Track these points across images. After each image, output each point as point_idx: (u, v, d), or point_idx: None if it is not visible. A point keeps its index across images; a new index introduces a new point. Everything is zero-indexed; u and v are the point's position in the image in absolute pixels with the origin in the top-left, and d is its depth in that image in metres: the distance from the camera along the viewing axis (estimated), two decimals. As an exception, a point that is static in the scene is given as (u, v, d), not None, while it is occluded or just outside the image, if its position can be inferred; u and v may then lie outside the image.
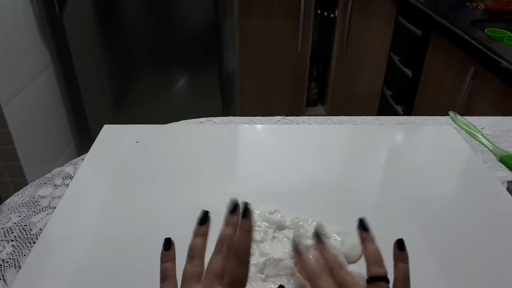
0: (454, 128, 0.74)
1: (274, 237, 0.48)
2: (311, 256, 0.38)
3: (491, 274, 0.45)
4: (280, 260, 0.44)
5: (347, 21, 1.96)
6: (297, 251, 0.38)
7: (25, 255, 0.47)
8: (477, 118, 0.78)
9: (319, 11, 2.06)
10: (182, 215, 0.52)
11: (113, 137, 0.69)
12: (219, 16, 1.72)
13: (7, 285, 0.44)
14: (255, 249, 0.46)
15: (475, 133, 0.72)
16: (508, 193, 0.57)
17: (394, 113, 1.84)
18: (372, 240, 0.37)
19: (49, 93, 1.67)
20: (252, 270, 0.44)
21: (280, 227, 0.49)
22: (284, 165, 0.61)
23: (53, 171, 0.62)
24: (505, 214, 0.53)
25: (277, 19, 1.94)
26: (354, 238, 0.43)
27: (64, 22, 1.63)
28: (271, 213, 0.51)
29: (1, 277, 0.45)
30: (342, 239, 0.47)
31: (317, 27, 2.20)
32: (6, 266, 0.46)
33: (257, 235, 0.47)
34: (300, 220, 0.50)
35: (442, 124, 0.76)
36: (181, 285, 0.36)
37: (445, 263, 0.46)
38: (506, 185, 0.59)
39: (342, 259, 0.44)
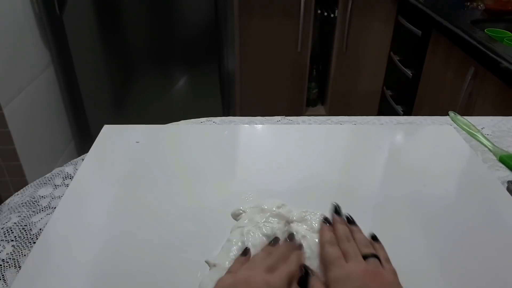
0: (454, 128, 0.74)
1: (284, 231, 0.49)
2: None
3: (491, 274, 0.45)
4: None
5: (347, 21, 1.96)
6: (322, 223, 0.47)
7: (25, 255, 0.47)
8: (477, 118, 0.78)
9: (319, 11, 2.06)
10: (183, 215, 0.52)
11: (113, 137, 0.69)
12: (219, 16, 1.72)
13: (7, 285, 0.44)
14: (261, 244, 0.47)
15: (475, 133, 0.72)
16: (508, 193, 0.57)
17: (394, 113, 1.84)
18: (360, 231, 0.46)
19: (49, 93, 1.67)
20: None
21: (289, 221, 0.50)
22: (284, 165, 0.61)
23: (53, 171, 0.62)
24: (505, 214, 0.53)
25: (277, 19, 1.94)
26: (365, 227, 0.47)
27: (64, 22, 1.63)
28: (278, 207, 0.51)
29: (1, 277, 0.45)
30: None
31: (317, 27, 2.20)
32: (6, 266, 0.46)
33: (269, 230, 0.48)
34: (307, 214, 0.51)
35: (442, 124, 0.76)
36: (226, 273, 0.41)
37: (445, 263, 0.46)
38: (506, 185, 0.59)
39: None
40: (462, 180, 0.60)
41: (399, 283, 0.40)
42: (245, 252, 0.44)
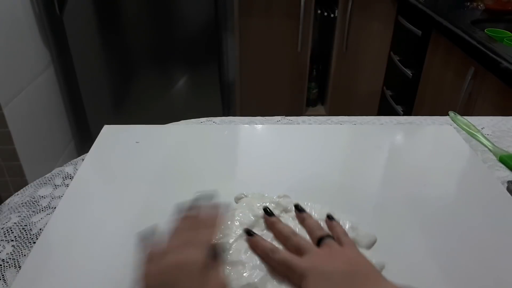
0: (454, 128, 0.74)
1: (279, 216, 0.49)
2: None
3: (491, 274, 0.45)
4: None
5: (347, 21, 1.96)
6: (248, 234, 0.44)
7: (25, 255, 0.47)
8: (477, 118, 0.78)
9: (319, 11, 2.06)
10: (182, 215, 0.52)
11: (113, 137, 0.69)
12: (219, 16, 1.72)
13: (7, 285, 0.44)
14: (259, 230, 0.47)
15: (475, 133, 0.72)
16: (508, 193, 0.57)
17: (394, 113, 1.84)
18: (310, 217, 0.46)
19: (49, 93, 1.67)
20: None
21: (286, 210, 0.50)
22: (284, 165, 0.61)
23: (53, 171, 0.62)
24: (505, 214, 0.53)
25: (277, 19, 1.94)
26: (364, 227, 0.48)
27: (64, 22, 1.63)
28: (279, 197, 0.52)
29: (1, 277, 0.45)
30: (353, 226, 0.48)
31: (317, 27, 2.20)
32: (6, 266, 0.46)
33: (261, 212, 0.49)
34: (307, 206, 0.51)
35: (442, 124, 0.76)
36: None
37: (445, 263, 0.46)
38: (506, 185, 0.59)
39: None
40: (462, 180, 0.60)
41: (358, 251, 0.41)
42: (147, 236, 0.41)
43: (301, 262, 0.39)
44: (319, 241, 0.42)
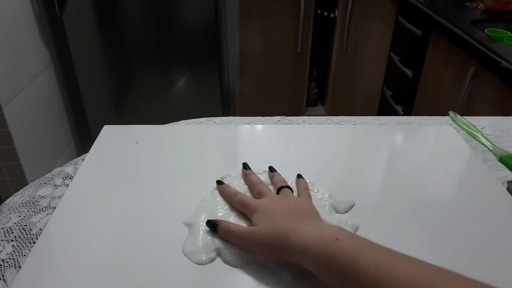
0: (454, 128, 0.74)
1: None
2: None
3: (491, 274, 0.45)
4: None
5: (347, 21, 1.96)
6: (218, 183, 0.54)
7: (25, 255, 0.47)
8: (477, 118, 0.78)
9: (319, 11, 2.07)
10: (182, 215, 0.52)
11: (113, 137, 0.69)
12: (219, 16, 1.72)
13: (7, 285, 0.44)
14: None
15: (475, 133, 0.72)
16: (508, 193, 0.57)
17: (394, 113, 1.84)
18: (279, 175, 0.55)
19: (49, 93, 1.67)
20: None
21: (269, 184, 0.55)
22: (284, 165, 0.61)
23: (53, 171, 0.62)
24: (505, 214, 0.53)
25: (277, 19, 1.94)
26: (341, 195, 0.54)
27: (64, 22, 1.63)
28: (259, 173, 0.57)
29: (1, 277, 0.45)
30: (331, 194, 0.55)
31: (317, 27, 2.20)
32: (6, 266, 0.46)
33: (242, 188, 0.54)
34: (287, 177, 0.56)
35: (442, 124, 0.76)
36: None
37: (445, 263, 0.46)
38: (506, 185, 0.59)
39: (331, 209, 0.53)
40: (462, 180, 0.60)
41: (310, 202, 0.49)
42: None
43: (255, 201, 0.48)
44: (278, 190, 0.50)
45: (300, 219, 0.44)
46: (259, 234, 0.44)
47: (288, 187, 0.51)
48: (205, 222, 0.48)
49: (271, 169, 0.56)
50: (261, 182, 0.53)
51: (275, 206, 0.46)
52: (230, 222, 0.47)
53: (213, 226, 0.47)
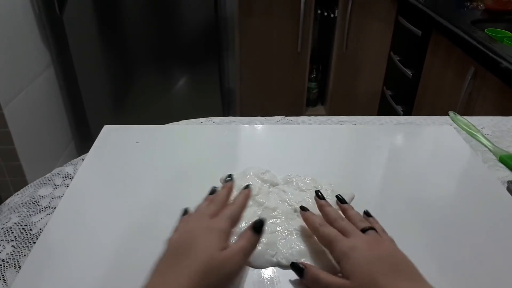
0: (454, 128, 0.74)
1: (269, 192, 0.55)
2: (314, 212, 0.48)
3: (491, 274, 0.45)
4: (275, 208, 0.51)
5: (347, 21, 1.96)
6: (302, 209, 0.48)
7: (25, 255, 0.47)
8: (477, 118, 0.78)
9: (319, 11, 2.07)
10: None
11: (113, 137, 0.69)
12: (219, 16, 1.72)
13: (7, 285, 0.44)
14: (250, 201, 0.51)
15: (475, 133, 0.72)
16: (508, 193, 0.57)
17: (394, 113, 1.84)
18: (352, 208, 0.48)
19: (49, 93, 1.67)
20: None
21: (273, 184, 0.56)
22: (284, 165, 0.61)
23: (53, 171, 0.62)
24: (505, 214, 0.53)
25: (277, 19, 1.94)
26: (343, 188, 0.55)
27: (64, 22, 1.63)
28: (262, 173, 0.57)
29: (1, 277, 0.45)
30: (333, 189, 0.55)
31: (317, 27, 2.20)
32: (6, 266, 0.46)
33: (253, 189, 0.52)
34: (292, 177, 0.57)
35: (442, 124, 0.76)
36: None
37: (445, 263, 0.46)
38: (506, 185, 0.59)
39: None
40: (462, 180, 0.60)
41: (398, 248, 0.41)
42: (185, 211, 0.46)
43: (346, 241, 0.41)
44: (363, 230, 0.43)
45: (404, 281, 0.37)
46: None
47: (373, 228, 0.43)
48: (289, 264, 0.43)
49: (341, 199, 0.49)
50: (342, 218, 0.45)
51: (370, 252, 0.39)
52: (317, 268, 0.42)
53: (298, 270, 0.42)
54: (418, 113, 1.68)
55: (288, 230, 0.48)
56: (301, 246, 0.46)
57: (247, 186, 0.48)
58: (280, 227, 0.49)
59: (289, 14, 1.93)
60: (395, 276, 0.37)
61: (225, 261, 0.37)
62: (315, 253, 0.46)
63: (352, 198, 0.55)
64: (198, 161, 0.63)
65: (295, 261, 0.43)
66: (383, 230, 0.44)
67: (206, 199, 0.47)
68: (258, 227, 0.41)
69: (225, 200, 0.46)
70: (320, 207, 0.48)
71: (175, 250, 0.39)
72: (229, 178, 0.49)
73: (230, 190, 0.47)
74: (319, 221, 0.45)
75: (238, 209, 0.44)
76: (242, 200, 0.45)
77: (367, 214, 0.47)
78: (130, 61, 1.78)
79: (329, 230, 0.43)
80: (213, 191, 0.48)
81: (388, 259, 0.39)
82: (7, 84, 1.35)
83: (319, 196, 0.49)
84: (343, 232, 0.42)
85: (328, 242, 0.42)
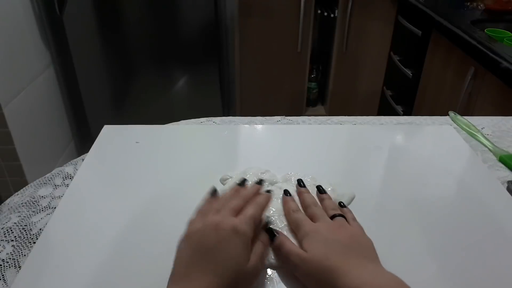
0: (454, 128, 0.74)
1: (267, 191, 0.53)
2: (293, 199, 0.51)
3: (491, 274, 0.45)
4: (272, 207, 0.51)
5: (347, 21, 1.96)
6: (284, 194, 0.52)
7: (25, 255, 0.47)
8: (477, 118, 0.78)
9: (319, 11, 2.07)
10: (182, 215, 0.52)
11: (113, 137, 0.69)
12: (219, 16, 1.72)
13: (7, 285, 0.44)
14: None
15: (475, 133, 0.72)
16: (508, 193, 0.57)
17: (394, 113, 1.84)
18: (329, 198, 0.51)
19: (49, 93, 1.67)
20: None
21: (272, 182, 0.56)
22: (284, 165, 0.61)
23: (53, 171, 0.62)
24: (505, 214, 0.53)
25: (277, 19, 1.94)
26: (344, 188, 0.55)
27: (64, 22, 1.63)
28: (262, 173, 0.58)
29: (1, 277, 0.45)
30: (333, 188, 0.55)
31: (317, 27, 2.20)
32: (6, 266, 0.46)
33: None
34: (291, 175, 0.58)
35: (442, 124, 0.76)
36: (196, 216, 0.43)
37: (445, 263, 0.46)
38: (506, 185, 0.59)
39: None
40: (462, 180, 0.60)
41: (364, 233, 0.45)
42: (213, 192, 0.46)
43: (311, 225, 0.45)
44: (332, 217, 0.46)
45: (355, 257, 0.40)
46: (307, 262, 0.41)
47: (342, 215, 0.47)
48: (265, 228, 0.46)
49: (320, 190, 0.53)
50: (315, 204, 0.49)
51: (330, 235, 0.43)
52: (287, 238, 0.45)
53: (271, 234, 0.45)
54: (418, 113, 1.68)
55: (279, 228, 0.48)
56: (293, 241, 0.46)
57: (268, 191, 0.48)
58: (271, 227, 0.48)
59: (289, 14, 1.93)
60: (348, 255, 0.40)
61: (251, 272, 0.39)
62: None
63: (353, 198, 0.55)
64: (198, 161, 0.63)
65: (271, 227, 0.46)
66: (354, 219, 0.47)
67: (232, 189, 0.47)
68: (271, 233, 0.45)
69: (251, 198, 0.46)
70: (299, 194, 0.52)
71: (201, 245, 0.39)
72: (260, 183, 0.49)
73: (258, 190, 0.48)
74: (294, 207, 0.49)
75: (260, 211, 0.44)
76: (264, 203, 0.46)
77: (341, 205, 0.51)
78: (130, 61, 1.78)
79: (299, 215, 0.47)
80: (242, 183, 0.49)
81: (346, 241, 0.42)
82: (7, 84, 1.35)
83: (300, 184, 0.53)
84: (312, 217, 0.46)
85: (295, 226, 0.46)
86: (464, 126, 0.75)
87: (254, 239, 0.42)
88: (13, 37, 1.40)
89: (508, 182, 0.59)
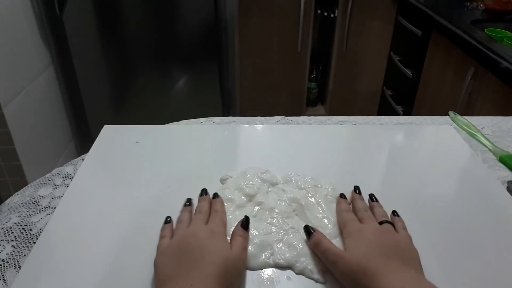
0: (454, 128, 0.74)
1: (268, 191, 0.55)
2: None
3: (491, 274, 0.45)
4: (272, 208, 0.51)
5: (347, 21, 1.96)
6: (340, 196, 0.52)
7: (25, 255, 0.47)
8: (477, 118, 0.78)
9: (319, 11, 2.07)
10: (182, 215, 0.52)
11: (113, 137, 0.69)
12: (219, 16, 1.72)
13: (7, 285, 0.44)
14: (248, 200, 0.53)
15: (475, 133, 0.72)
16: (508, 193, 0.57)
17: (394, 113, 1.84)
18: (380, 206, 0.50)
19: (49, 93, 1.67)
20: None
21: (273, 183, 0.56)
22: (284, 165, 0.61)
23: (53, 171, 0.62)
24: (505, 214, 0.53)
25: (277, 19, 1.94)
26: (345, 187, 0.54)
27: (64, 22, 1.63)
28: (262, 173, 0.57)
29: (1, 277, 0.45)
30: (334, 187, 0.55)
31: (317, 27, 2.20)
32: (6, 266, 0.46)
33: (251, 189, 0.54)
34: (291, 176, 0.58)
35: (442, 124, 0.76)
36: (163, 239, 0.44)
37: (445, 263, 0.46)
38: (506, 185, 0.59)
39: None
40: (462, 180, 0.60)
41: (411, 243, 0.43)
42: (168, 219, 0.48)
43: (358, 224, 0.45)
44: (380, 223, 0.46)
45: (397, 262, 0.39)
46: (345, 260, 0.40)
47: (391, 223, 0.46)
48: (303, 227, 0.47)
49: (372, 198, 0.52)
50: (367, 209, 0.49)
51: (374, 237, 0.42)
52: (324, 236, 0.45)
53: (308, 232, 0.46)
54: (418, 113, 1.68)
55: (284, 230, 0.48)
56: (299, 245, 0.46)
57: (215, 195, 0.52)
58: (275, 228, 0.49)
59: (289, 14, 1.93)
60: (390, 259, 0.39)
61: (236, 259, 0.41)
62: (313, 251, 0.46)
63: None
64: (198, 161, 0.63)
65: (308, 225, 0.47)
66: (404, 228, 0.46)
67: (183, 210, 0.49)
68: (246, 224, 0.46)
69: (208, 210, 0.48)
70: (353, 199, 0.52)
71: (183, 250, 0.40)
72: (188, 204, 0.51)
73: (209, 201, 0.51)
74: (345, 208, 0.49)
75: (223, 214, 0.48)
76: (221, 207, 0.49)
77: (394, 213, 0.49)
78: (130, 61, 1.78)
79: (349, 215, 0.47)
80: (189, 202, 0.51)
81: (390, 246, 0.41)
82: (7, 84, 1.35)
83: (356, 191, 0.53)
84: (361, 220, 0.46)
85: (343, 223, 0.46)
86: (464, 126, 0.75)
87: (231, 238, 0.44)
88: (13, 37, 1.40)
89: (508, 182, 0.59)
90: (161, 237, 0.45)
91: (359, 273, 0.38)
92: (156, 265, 0.41)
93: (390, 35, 1.99)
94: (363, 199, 0.52)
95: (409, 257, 0.40)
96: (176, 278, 0.37)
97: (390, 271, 0.37)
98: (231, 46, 1.84)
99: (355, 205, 0.50)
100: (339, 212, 0.49)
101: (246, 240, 0.44)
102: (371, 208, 0.50)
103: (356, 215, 0.48)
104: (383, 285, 0.36)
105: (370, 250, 0.40)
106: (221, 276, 0.37)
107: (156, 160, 0.63)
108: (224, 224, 0.46)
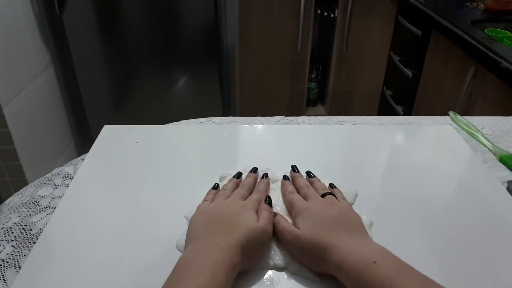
0: (454, 128, 0.74)
1: (264, 175, 0.57)
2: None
3: (491, 274, 0.45)
4: (274, 205, 0.52)
5: (347, 21, 1.96)
6: (283, 178, 0.56)
7: (25, 255, 0.47)
8: (477, 118, 0.78)
9: (319, 11, 2.07)
10: (182, 215, 0.52)
11: (113, 137, 0.69)
12: (219, 16, 1.72)
13: (7, 285, 0.44)
14: None
15: (475, 133, 0.72)
16: (508, 193, 0.57)
17: (394, 113, 1.84)
18: (318, 181, 0.55)
19: (49, 93, 1.67)
20: None
21: (273, 180, 0.57)
22: (284, 165, 0.61)
23: (53, 171, 0.62)
24: (505, 214, 0.53)
25: (277, 19, 1.94)
26: (345, 186, 0.55)
27: (64, 22, 1.63)
28: (262, 171, 0.58)
29: (1, 277, 0.45)
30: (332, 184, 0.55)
31: (317, 27, 2.20)
32: (6, 266, 0.46)
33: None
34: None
35: (442, 124, 0.76)
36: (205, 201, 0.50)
37: (445, 263, 0.46)
38: (506, 185, 0.59)
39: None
40: (462, 180, 0.60)
41: (352, 209, 0.48)
42: (216, 186, 0.54)
43: (303, 203, 0.49)
44: (323, 195, 0.50)
45: (343, 232, 0.43)
46: (300, 239, 0.44)
47: (332, 193, 0.50)
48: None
49: (310, 175, 0.57)
50: (308, 185, 0.53)
51: (320, 212, 0.46)
52: (283, 217, 0.49)
53: (269, 205, 0.50)
54: (418, 113, 1.68)
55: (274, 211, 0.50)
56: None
57: (265, 175, 0.56)
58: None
59: (289, 14, 1.93)
60: (337, 230, 0.43)
61: (262, 231, 0.44)
62: None
63: (356, 196, 0.55)
64: (198, 161, 0.63)
65: (271, 201, 0.51)
66: (343, 198, 0.52)
67: (230, 180, 0.55)
68: (269, 201, 0.50)
69: (252, 187, 0.53)
70: (293, 178, 0.56)
71: (214, 215, 0.46)
72: (237, 176, 0.56)
73: (256, 179, 0.55)
74: (290, 189, 0.53)
75: (262, 195, 0.51)
76: (265, 187, 0.53)
77: (331, 185, 0.55)
78: (130, 61, 1.78)
79: (294, 196, 0.51)
80: (239, 175, 0.56)
81: (336, 217, 0.45)
82: (7, 84, 1.35)
83: (294, 170, 0.57)
84: (305, 197, 0.50)
85: (290, 205, 0.50)
86: (464, 126, 0.75)
87: (258, 212, 0.48)
88: (13, 37, 1.40)
89: (508, 182, 0.59)
90: (204, 199, 0.50)
91: (313, 249, 0.42)
92: (191, 222, 0.46)
93: (390, 35, 2.00)
94: (302, 176, 0.56)
95: (353, 224, 0.45)
96: (205, 237, 0.42)
97: (340, 242, 0.42)
98: (231, 46, 1.84)
99: (296, 183, 0.54)
100: (284, 194, 0.53)
101: (271, 213, 0.48)
102: (311, 183, 0.54)
103: (299, 192, 0.52)
104: (336, 255, 0.40)
105: (319, 226, 0.44)
106: (243, 245, 0.42)
107: (156, 160, 0.63)
108: (259, 204, 0.50)
